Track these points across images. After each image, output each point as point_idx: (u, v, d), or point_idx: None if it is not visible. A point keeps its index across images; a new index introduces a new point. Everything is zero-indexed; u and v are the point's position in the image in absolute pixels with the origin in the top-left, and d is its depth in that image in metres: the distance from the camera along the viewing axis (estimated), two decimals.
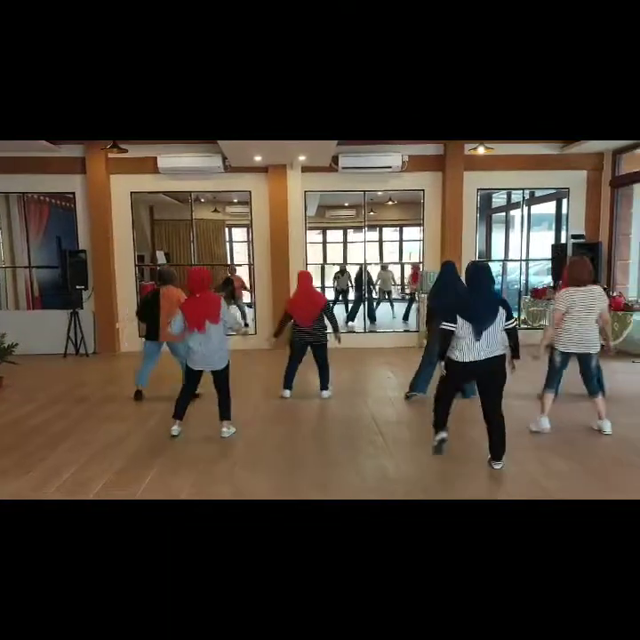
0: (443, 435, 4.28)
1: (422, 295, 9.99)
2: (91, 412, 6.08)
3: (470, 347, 4.05)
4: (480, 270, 4.26)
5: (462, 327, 4.04)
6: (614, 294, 9.19)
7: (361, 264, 11.91)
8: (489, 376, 4.16)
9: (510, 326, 4.13)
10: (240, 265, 13.67)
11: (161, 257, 13.74)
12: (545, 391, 5.12)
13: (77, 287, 9.68)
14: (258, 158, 9.25)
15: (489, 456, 4.30)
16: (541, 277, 11.91)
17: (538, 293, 10.49)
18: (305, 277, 6.54)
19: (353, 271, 13.53)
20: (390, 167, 9.64)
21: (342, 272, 13.95)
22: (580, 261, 5.03)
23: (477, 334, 4.01)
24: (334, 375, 6.73)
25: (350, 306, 12.93)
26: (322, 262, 16.22)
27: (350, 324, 12.06)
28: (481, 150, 8.93)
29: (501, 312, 4.07)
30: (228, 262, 15.15)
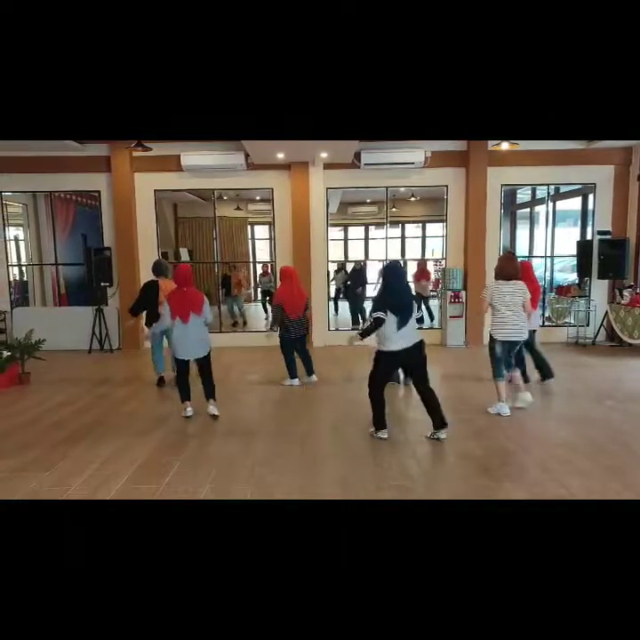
0: (384, 435, 4.92)
1: (447, 292, 9.92)
2: (113, 407, 6.17)
3: (394, 337, 4.70)
4: (399, 269, 5.05)
5: (389, 318, 4.68)
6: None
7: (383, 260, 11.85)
8: (412, 358, 4.83)
9: (419, 317, 4.91)
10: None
11: (184, 254, 13.87)
12: (495, 381, 5.55)
13: (102, 284, 9.84)
14: (280, 156, 9.27)
15: (432, 430, 4.88)
16: (566, 274, 11.74)
17: (563, 290, 10.33)
18: (294, 273, 7.10)
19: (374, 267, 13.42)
20: (413, 163, 9.58)
21: (340, 269, 13.81)
22: (507, 258, 5.61)
23: (400, 325, 4.67)
24: (358, 369, 6.91)
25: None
26: (343, 259, 16.17)
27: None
28: (505, 146, 8.80)
29: (415, 306, 4.82)
30: (251, 259, 15.45)
